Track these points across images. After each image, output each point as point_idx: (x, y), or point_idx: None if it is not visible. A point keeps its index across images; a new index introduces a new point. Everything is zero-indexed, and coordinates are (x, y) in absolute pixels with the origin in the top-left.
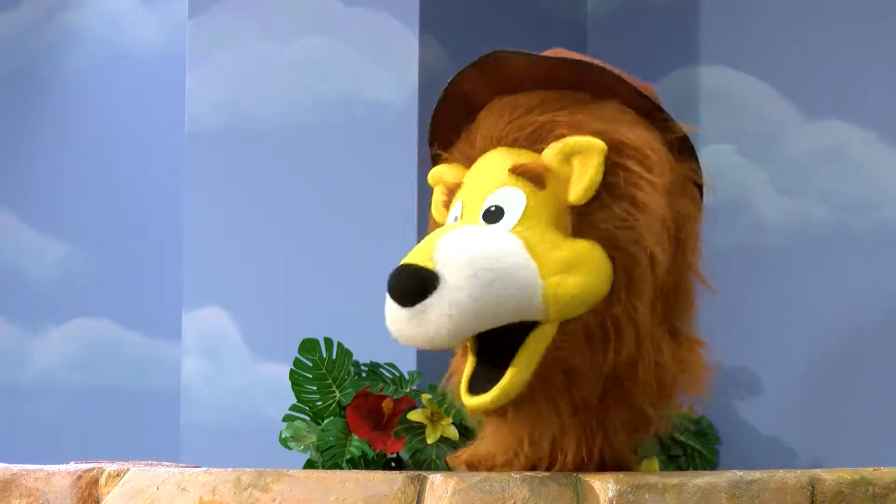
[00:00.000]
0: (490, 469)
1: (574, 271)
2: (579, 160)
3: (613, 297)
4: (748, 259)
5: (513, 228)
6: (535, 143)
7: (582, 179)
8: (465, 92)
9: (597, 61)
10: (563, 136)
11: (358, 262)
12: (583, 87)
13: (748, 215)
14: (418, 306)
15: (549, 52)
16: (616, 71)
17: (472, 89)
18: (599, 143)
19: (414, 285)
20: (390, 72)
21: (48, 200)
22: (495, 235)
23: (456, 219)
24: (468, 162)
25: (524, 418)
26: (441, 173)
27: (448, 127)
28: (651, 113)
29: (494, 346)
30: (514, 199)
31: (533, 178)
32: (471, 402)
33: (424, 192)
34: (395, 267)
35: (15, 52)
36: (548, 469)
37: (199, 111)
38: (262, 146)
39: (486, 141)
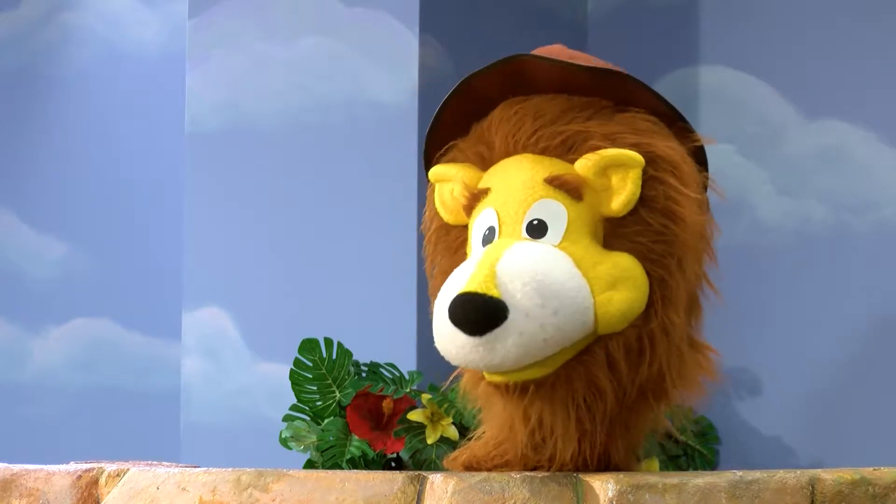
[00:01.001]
0: (490, 470)
1: (620, 287)
2: (617, 173)
3: (650, 311)
4: (748, 259)
5: (559, 244)
6: (567, 152)
7: (622, 193)
8: (475, 88)
9: (617, 68)
10: (598, 147)
11: (358, 263)
12: (604, 93)
13: (748, 215)
14: (487, 336)
15: (554, 53)
16: (638, 79)
17: (482, 85)
18: (638, 157)
19: (483, 317)
20: (390, 72)
21: (48, 200)
22: (550, 257)
23: (491, 229)
24: (482, 163)
25: (536, 412)
26: (453, 172)
27: (452, 120)
28: (673, 122)
29: None
30: (556, 212)
31: (571, 190)
32: (495, 375)
33: (424, 192)
34: (455, 293)
35: (15, 52)
36: (547, 471)
37: (199, 111)
38: (262, 146)
39: (508, 145)
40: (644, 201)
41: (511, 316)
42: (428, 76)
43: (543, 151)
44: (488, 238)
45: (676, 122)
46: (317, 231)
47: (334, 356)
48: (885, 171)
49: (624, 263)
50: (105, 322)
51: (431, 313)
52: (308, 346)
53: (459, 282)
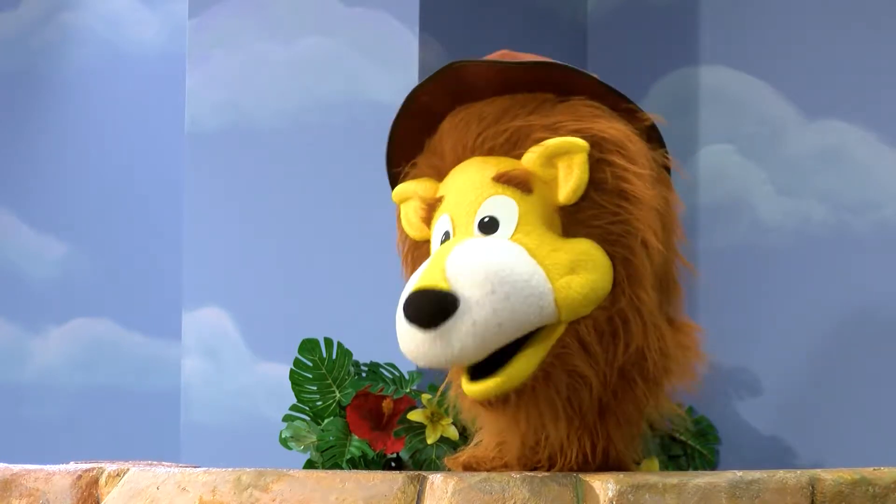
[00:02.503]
0: (489, 471)
1: (579, 270)
2: (563, 161)
3: (617, 291)
4: (748, 259)
5: (511, 237)
6: (513, 149)
7: (569, 180)
8: (423, 104)
9: (549, 59)
10: (542, 139)
11: (358, 262)
12: (544, 88)
13: (748, 215)
14: (441, 328)
15: (496, 55)
16: (575, 67)
17: (429, 101)
18: (582, 142)
19: (434, 308)
20: (390, 72)
21: (48, 200)
22: (500, 247)
23: (446, 233)
24: (437, 175)
25: (524, 418)
26: (412, 189)
27: (407, 141)
28: (617, 104)
29: None
30: (506, 207)
31: (519, 184)
32: (473, 388)
33: None
34: (408, 292)
35: (15, 52)
36: (548, 470)
37: (199, 111)
38: (262, 146)
39: (457, 151)
40: (594, 184)
41: (462, 306)
42: (428, 76)
43: (490, 152)
44: (444, 242)
45: (621, 105)
46: (317, 231)
47: (334, 356)
48: (885, 171)
49: (581, 247)
50: (105, 322)
51: None
52: (308, 346)
53: (412, 282)
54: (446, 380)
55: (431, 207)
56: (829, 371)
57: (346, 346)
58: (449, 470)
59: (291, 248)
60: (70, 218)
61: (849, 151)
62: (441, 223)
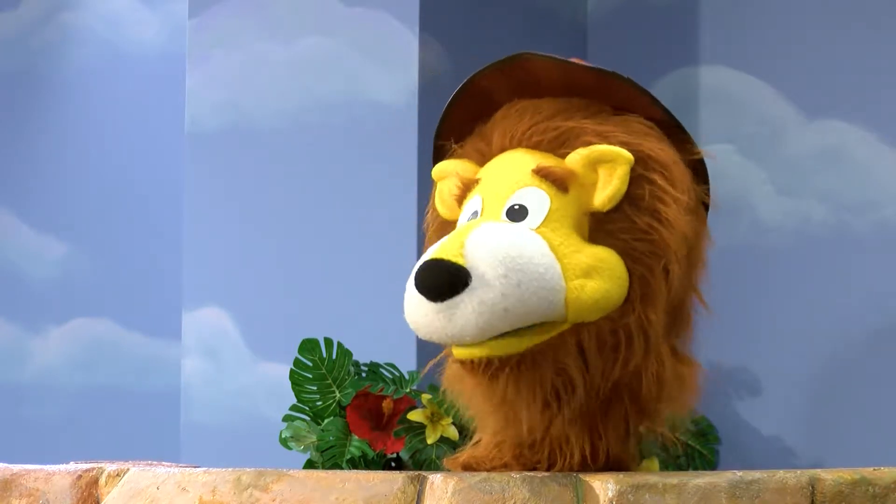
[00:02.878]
0: (489, 471)
1: (595, 276)
2: (605, 168)
3: (627, 307)
4: (748, 259)
5: (537, 228)
6: (559, 147)
7: (607, 187)
8: (483, 89)
9: (617, 72)
10: (590, 143)
11: (358, 262)
12: (604, 98)
13: (748, 215)
14: (447, 302)
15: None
16: (640, 85)
17: (489, 87)
18: (626, 154)
19: (445, 280)
20: (390, 72)
21: (48, 200)
22: (523, 234)
23: (475, 213)
24: (482, 159)
25: (500, 391)
26: (452, 167)
27: (460, 122)
28: (672, 131)
29: None
30: (538, 199)
31: (557, 181)
32: (461, 350)
33: (424, 192)
34: (423, 260)
35: (15, 52)
36: (547, 469)
37: (199, 111)
38: (262, 146)
39: (505, 140)
40: (630, 199)
41: (473, 283)
42: (428, 76)
43: (536, 146)
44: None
45: (675, 132)
46: (317, 231)
47: (334, 356)
48: (885, 171)
49: (602, 255)
50: (105, 322)
51: None
52: (308, 346)
53: (429, 252)
54: (440, 355)
55: (467, 187)
56: (830, 371)
57: (346, 346)
58: (448, 471)
59: (291, 248)
60: (70, 218)
61: (849, 151)
62: (472, 203)
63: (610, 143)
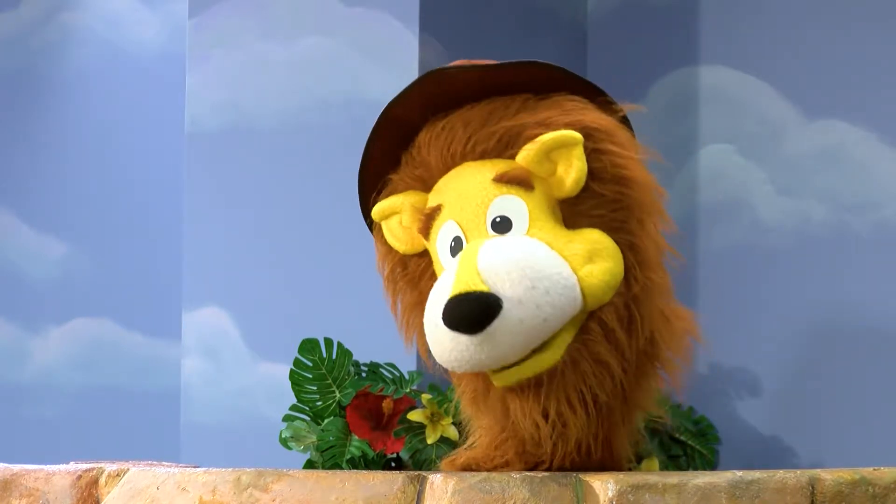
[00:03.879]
0: (489, 471)
1: (596, 259)
2: (560, 154)
3: (629, 276)
4: (748, 259)
5: (527, 233)
6: (506, 149)
7: (570, 172)
8: (396, 117)
9: (523, 59)
10: (535, 135)
11: (358, 263)
12: (522, 89)
13: (748, 215)
14: (486, 331)
15: (467, 62)
16: (551, 64)
17: (402, 113)
18: (576, 134)
19: (480, 312)
20: (390, 72)
21: (48, 200)
22: (525, 243)
23: (457, 239)
24: (423, 185)
25: (553, 404)
26: (398, 203)
27: (380, 160)
28: (594, 97)
29: None
30: (515, 205)
31: (521, 182)
32: (505, 375)
33: None
34: (447, 298)
35: (15, 52)
36: (549, 467)
37: (199, 111)
38: (262, 146)
39: (445, 159)
40: (592, 175)
41: (505, 306)
42: None
43: (483, 155)
44: (456, 248)
45: (595, 97)
46: (317, 231)
47: (334, 356)
48: (885, 171)
49: (593, 236)
50: (105, 322)
51: (409, 345)
52: (308, 346)
53: (445, 289)
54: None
55: (429, 217)
56: (829, 371)
57: (346, 346)
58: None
59: (291, 248)
60: (70, 218)
61: (849, 151)
62: (446, 230)
63: (553, 130)
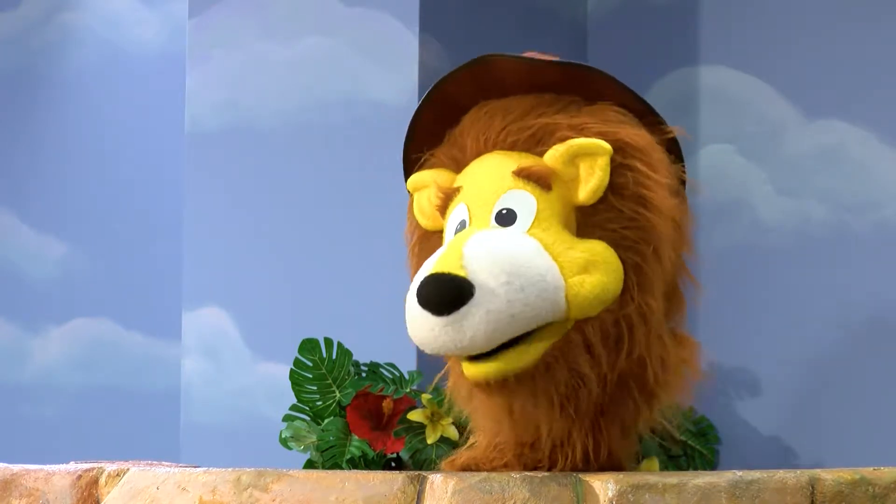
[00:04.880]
0: (489, 472)
1: (591, 271)
2: (585, 162)
3: (626, 296)
4: (748, 259)
5: (528, 231)
6: (536, 145)
7: (590, 180)
8: (449, 94)
9: (581, 62)
10: (567, 138)
11: (358, 263)
12: (573, 91)
13: (748, 215)
14: (454, 315)
15: (528, 54)
16: (607, 73)
17: (456, 91)
18: (605, 145)
19: (450, 294)
20: (390, 72)
21: (48, 200)
22: (518, 240)
23: (462, 223)
24: (456, 166)
25: (518, 406)
26: (429, 178)
27: (428, 131)
28: (644, 115)
29: None
30: (525, 202)
31: (539, 180)
32: (473, 369)
33: None
34: (423, 275)
35: (15, 52)
36: (549, 468)
37: (199, 111)
38: (262, 146)
39: (479, 144)
40: (614, 189)
41: (477, 293)
42: (428, 76)
43: (513, 146)
44: (459, 230)
45: (647, 116)
46: (317, 231)
47: (334, 356)
48: (885, 171)
49: (596, 248)
50: (105, 322)
51: None
52: (308, 346)
53: (428, 267)
54: (445, 368)
55: (448, 196)
56: (829, 371)
57: (346, 346)
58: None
59: (291, 248)
60: (70, 218)
61: (849, 151)
62: (457, 212)
63: (586, 136)
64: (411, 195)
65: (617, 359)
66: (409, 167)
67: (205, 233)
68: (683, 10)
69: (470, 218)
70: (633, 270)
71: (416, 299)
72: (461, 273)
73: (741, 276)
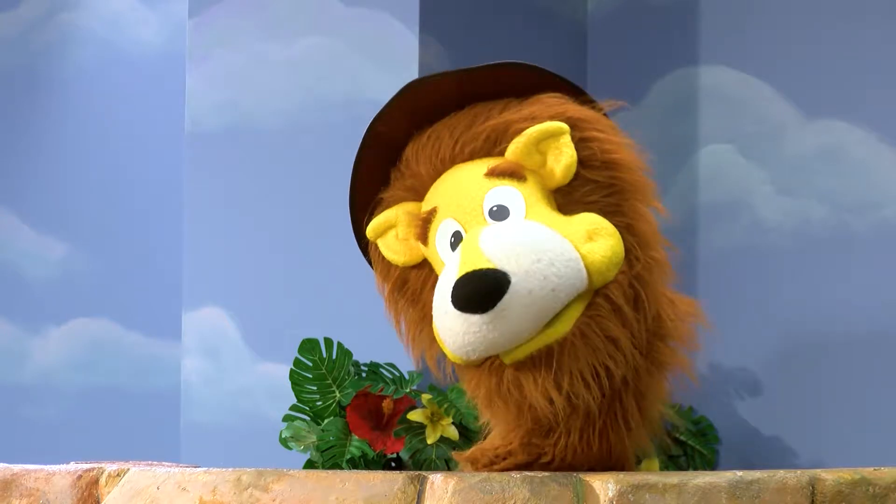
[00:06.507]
0: (493, 461)
1: (596, 237)
2: (549, 144)
3: (630, 257)
4: (748, 259)
5: (525, 218)
6: (494, 147)
7: (560, 159)
8: (380, 134)
9: (505, 61)
10: (521, 130)
11: (358, 263)
12: (503, 94)
13: (748, 215)
14: (497, 308)
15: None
16: (532, 63)
17: (388, 130)
18: (562, 124)
19: (490, 286)
20: (390, 72)
21: (48, 200)
22: (525, 224)
23: (456, 234)
24: (415, 195)
25: (566, 376)
26: (392, 215)
27: (370, 175)
28: (577, 95)
29: None
30: (510, 194)
31: (513, 174)
32: (513, 354)
33: None
34: (454, 280)
35: (15, 52)
36: (551, 460)
37: (199, 111)
38: (262, 146)
39: (435, 165)
40: (582, 163)
41: (514, 280)
42: None
43: (471, 156)
44: (456, 243)
45: (580, 95)
46: (317, 231)
47: (334, 356)
48: (885, 171)
49: (591, 218)
50: (105, 322)
51: (417, 362)
52: (308, 346)
53: (452, 275)
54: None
55: (426, 221)
56: (830, 371)
57: (346, 346)
58: (450, 467)
59: (291, 248)
60: (70, 218)
61: (849, 151)
62: (444, 229)
63: (539, 122)
64: (372, 245)
65: (643, 317)
66: (359, 223)
67: (205, 233)
68: (683, 10)
69: (463, 227)
70: (628, 231)
71: (453, 304)
72: (491, 265)
73: (741, 276)
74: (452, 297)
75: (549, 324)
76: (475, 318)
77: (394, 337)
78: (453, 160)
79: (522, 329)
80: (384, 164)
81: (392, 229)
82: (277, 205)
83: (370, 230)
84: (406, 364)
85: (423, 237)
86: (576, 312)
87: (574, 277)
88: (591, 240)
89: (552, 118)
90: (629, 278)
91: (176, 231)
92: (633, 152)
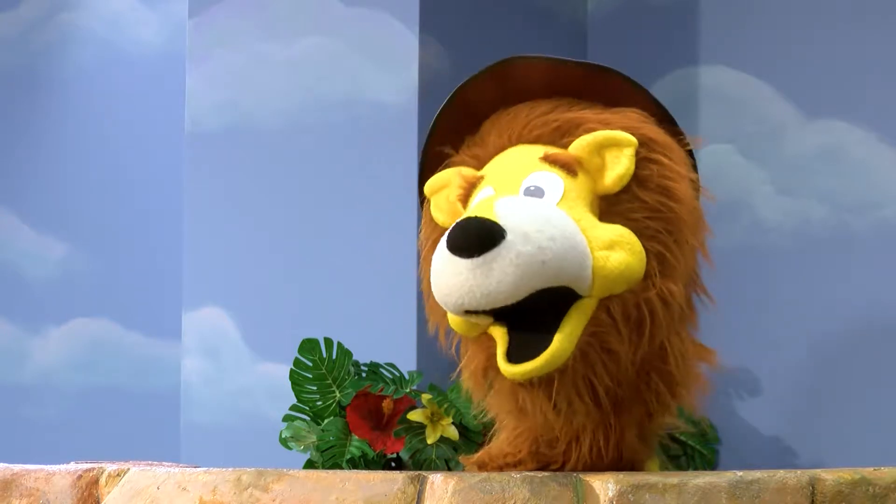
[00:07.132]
0: (502, 468)
1: (617, 249)
2: (611, 152)
3: (647, 281)
4: (748, 259)
5: (556, 205)
6: (561, 138)
7: (616, 168)
8: (470, 101)
9: (607, 66)
10: (593, 130)
11: (358, 262)
12: (593, 97)
13: (748, 215)
14: (484, 256)
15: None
16: (629, 76)
17: (476, 99)
18: (631, 137)
19: (479, 234)
20: (390, 72)
21: (48, 200)
22: (548, 204)
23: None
24: (478, 163)
25: (564, 399)
26: (449, 175)
27: (446, 138)
28: (662, 122)
29: (524, 321)
30: (552, 181)
31: (565, 165)
32: (515, 369)
33: (424, 191)
34: (456, 222)
35: (15, 52)
36: (561, 467)
37: (199, 111)
38: (262, 146)
39: (503, 139)
40: (638, 180)
41: (509, 236)
42: (428, 76)
43: (537, 139)
44: None
45: (665, 124)
46: (317, 231)
47: (334, 356)
48: (885, 171)
49: (621, 230)
50: (105, 322)
51: (431, 328)
52: (308, 346)
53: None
54: (459, 367)
55: (471, 185)
56: (829, 371)
57: (346, 346)
58: (455, 462)
59: (291, 248)
60: (70, 218)
61: (849, 151)
62: (482, 193)
63: (612, 129)
64: (427, 200)
65: (640, 341)
66: (427, 167)
67: (205, 233)
68: (683, 10)
69: (496, 192)
70: (656, 258)
71: (445, 245)
72: (493, 218)
73: (741, 276)
74: (447, 237)
75: (553, 342)
76: (461, 262)
77: (394, 337)
78: (520, 139)
79: (503, 287)
80: (463, 127)
81: (445, 189)
82: (277, 205)
83: (427, 186)
84: (406, 364)
85: (465, 200)
86: (578, 328)
87: (573, 264)
88: (610, 248)
89: (625, 129)
90: (637, 300)
91: (176, 231)
92: (693, 189)
